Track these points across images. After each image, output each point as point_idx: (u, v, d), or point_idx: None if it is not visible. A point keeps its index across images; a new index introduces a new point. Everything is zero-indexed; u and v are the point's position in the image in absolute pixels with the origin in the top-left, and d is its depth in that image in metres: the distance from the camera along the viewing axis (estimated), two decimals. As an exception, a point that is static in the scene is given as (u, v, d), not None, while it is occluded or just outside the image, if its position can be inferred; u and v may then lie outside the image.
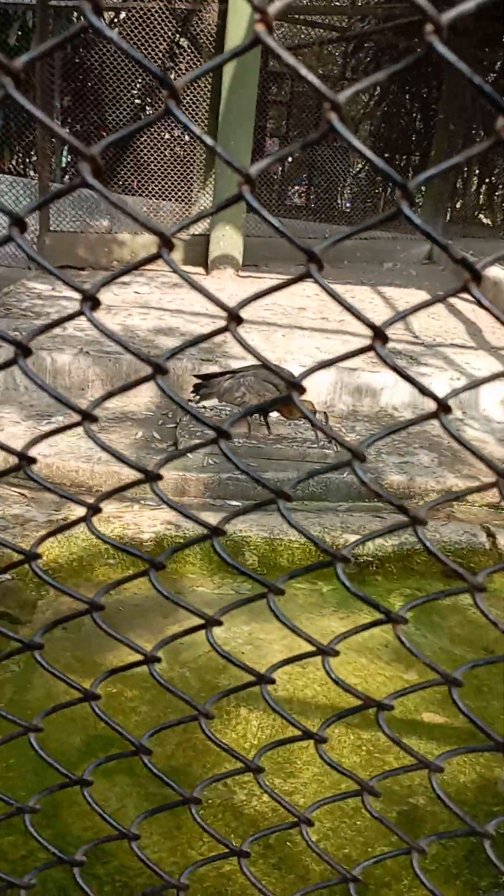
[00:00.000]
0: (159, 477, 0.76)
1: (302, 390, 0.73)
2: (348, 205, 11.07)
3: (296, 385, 0.71)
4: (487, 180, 10.82)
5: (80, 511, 0.81)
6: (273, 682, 0.87)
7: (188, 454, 4.08)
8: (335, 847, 1.98)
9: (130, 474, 3.83)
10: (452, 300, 7.02)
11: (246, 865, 0.93)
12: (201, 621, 0.83)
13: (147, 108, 9.12)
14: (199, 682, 2.58)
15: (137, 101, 9.09)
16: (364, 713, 2.44)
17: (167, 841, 1.95)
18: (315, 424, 0.75)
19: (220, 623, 0.81)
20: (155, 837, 1.97)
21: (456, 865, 1.96)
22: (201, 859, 1.00)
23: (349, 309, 0.61)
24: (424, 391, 0.67)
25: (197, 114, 7.38)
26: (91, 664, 2.63)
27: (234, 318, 0.62)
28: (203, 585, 3.19)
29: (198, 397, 4.10)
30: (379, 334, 0.63)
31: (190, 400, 4.28)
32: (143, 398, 4.72)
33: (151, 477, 0.76)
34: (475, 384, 0.70)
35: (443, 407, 0.66)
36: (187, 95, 7.07)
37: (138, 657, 0.87)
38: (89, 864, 1.91)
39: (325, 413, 4.73)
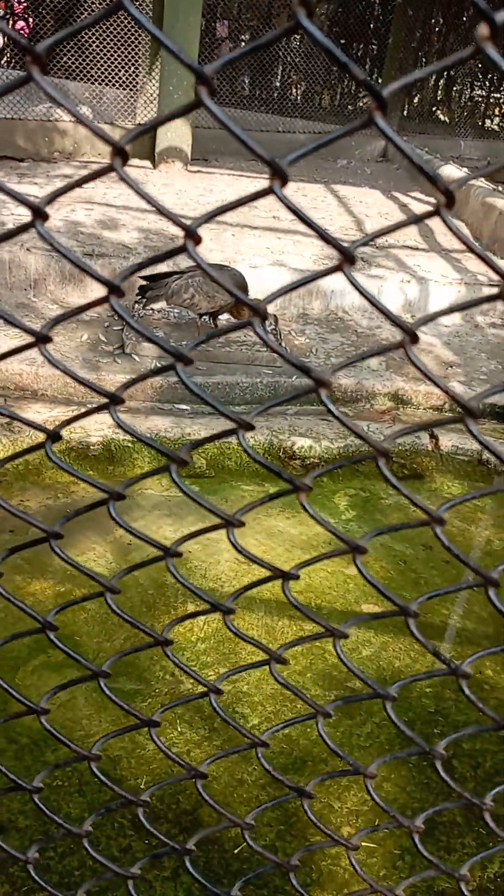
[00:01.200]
0: (121, 400, 0.74)
1: (264, 314, 0.69)
2: (300, 97, 10.57)
3: (257, 310, 0.68)
4: (446, 74, 10.42)
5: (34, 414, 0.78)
6: (233, 611, 0.87)
7: (135, 356, 4.01)
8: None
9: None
10: (406, 200, 6.88)
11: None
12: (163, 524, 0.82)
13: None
14: (148, 580, 2.64)
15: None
16: (306, 606, 2.49)
17: (114, 727, 2.04)
18: (270, 346, 0.71)
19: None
20: (104, 725, 2.06)
21: (388, 742, 2.11)
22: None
23: (315, 228, 0.58)
24: (393, 320, 0.65)
25: (141, -11, 6.84)
26: (39, 565, 2.65)
27: (191, 236, 0.58)
28: (151, 488, 3.21)
29: (144, 300, 4.00)
30: (348, 257, 0.61)
31: (136, 303, 4.17)
32: (75, 298, 4.58)
33: (115, 401, 0.74)
34: (442, 313, 0.68)
35: (411, 337, 0.65)
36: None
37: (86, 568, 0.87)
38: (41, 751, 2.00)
39: (275, 316, 4.68)
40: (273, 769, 0.99)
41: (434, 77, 10.51)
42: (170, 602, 2.54)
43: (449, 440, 3.71)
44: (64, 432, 3.34)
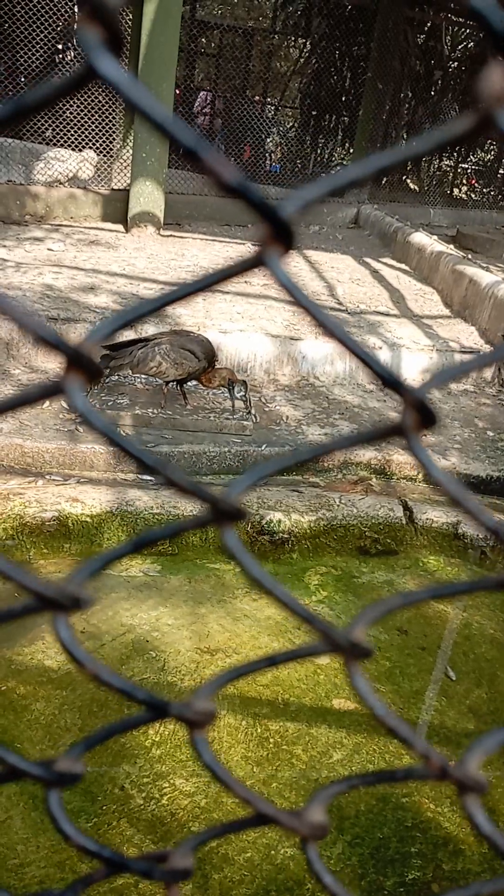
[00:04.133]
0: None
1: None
2: (277, 166, 10.79)
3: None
4: (415, 145, 10.72)
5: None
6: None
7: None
8: (236, 851, 1.89)
9: (34, 447, 3.60)
10: (377, 266, 6.93)
11: None
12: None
13: (65, 50, 8.56)
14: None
15: (54, 43, 8.51)
16: (273, 704, 2.33)
17: (55, 854, 1.82)
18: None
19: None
20: (43, 851, 1.83)
21: (361, 865, 1.90)
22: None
23: (329, 330, 0.46)
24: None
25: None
26: (-17, 657, 2.44)
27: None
28: (110, 568, 3.02)
29: (108, 369, 3.87)
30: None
31: (101, 368, 4.05)
32: (53, 363, 4.45)
33: None
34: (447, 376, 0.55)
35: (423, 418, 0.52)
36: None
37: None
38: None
39: (244, 381, 4.58)
40: None
41: (404, 147, 10.81)
42: (123, 700, 2.33)
43: (423, 513, 3.58)
44: (17, 507, 3.17)
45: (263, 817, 0.38)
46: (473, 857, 1.98)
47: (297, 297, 0.31)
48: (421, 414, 0.33)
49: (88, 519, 3.20)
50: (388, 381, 0.33)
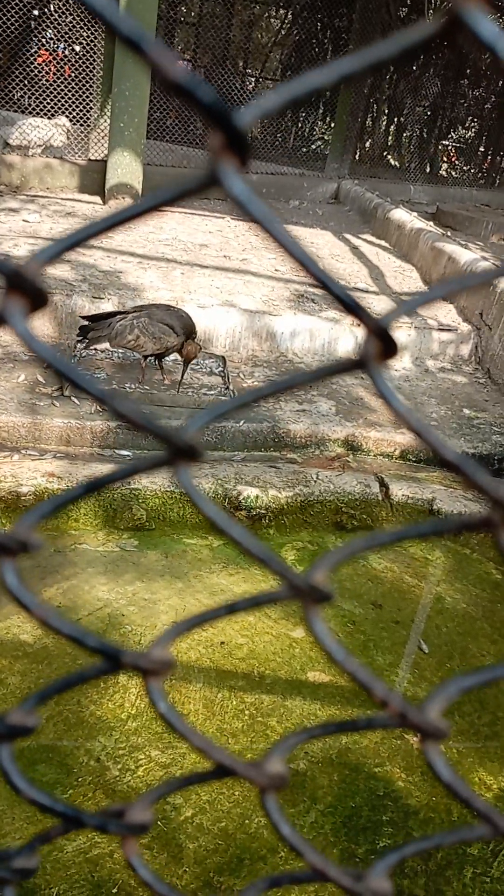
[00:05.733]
0: None
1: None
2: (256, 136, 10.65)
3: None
4: (396, 120, 10.63)
5: None
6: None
7: (74, 399, 3.82)
8: (211, 821, 1.90)
9: (9, 420, 3.55)
10: (357, 242, 6.89)
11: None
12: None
13: (37, 9, 8.34)
14: (78, 648, 2.42)
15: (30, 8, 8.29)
16: (249, 677, 2.34)
17: (31, 826, 1.82)
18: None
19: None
20: (18, 823, 1.83)
21: (334, 833, 1.92)
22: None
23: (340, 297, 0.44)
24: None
25: (89, 32, 6.80)
26: (-44, 631, 2.42)
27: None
28: (86, 542, 3.01)
29: (86, 340, 3.82)
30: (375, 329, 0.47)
31: (77, 342, 4.00)
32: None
33: None
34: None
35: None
36: (77, 10, 6.46)
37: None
38: None
39: (222, 357, 4.55)
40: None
41: (385, 122, 10.73)
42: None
43: (399, 489, 3.59)
44: (-7, 481, 3.13)
45: (223, 768, 0.37)
46: (444, 825, 2.01)
47: (252, 211, 0.30)
48: (383, 342, 0.32)
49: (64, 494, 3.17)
50: (350, 305, 0.32)
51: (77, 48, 7.54)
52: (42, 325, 4.40)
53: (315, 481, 3.52)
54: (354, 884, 0.41)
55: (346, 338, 4.88)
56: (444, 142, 11.04)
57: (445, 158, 11.29)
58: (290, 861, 1.80)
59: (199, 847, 1.82)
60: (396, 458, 4.05)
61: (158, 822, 1.85)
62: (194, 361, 4.11)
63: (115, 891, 1.69)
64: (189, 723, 2.15)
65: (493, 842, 1.96)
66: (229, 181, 0.28)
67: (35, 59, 7.32)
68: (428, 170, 10.58)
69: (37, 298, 0.29)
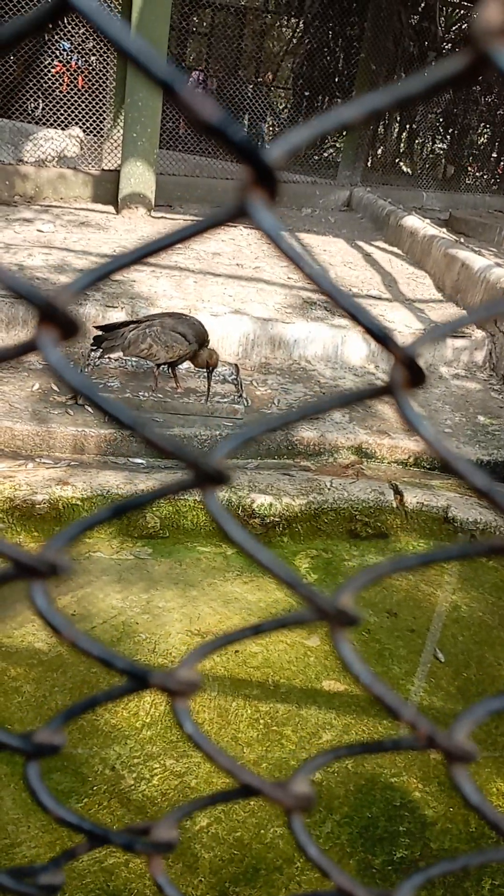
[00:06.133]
0: None
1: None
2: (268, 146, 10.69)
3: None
4: (408, 127, 10.64)
5: None
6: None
7: (88, 408, 3.84)
8: (227, 830, 1.90)
9: (24, 429, 3.58)
10: (369, 249, 6.90)
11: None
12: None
13: (51, 21, 8.42)
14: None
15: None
16: (264, 685, 2.34)
17: (46, 835, 1.82)
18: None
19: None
20: (33, 831, 1.83)
21: (350, 843, 1.91)
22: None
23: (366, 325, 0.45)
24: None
25: (103, 43, 6.85)
26: (-27, 640, 2.43)
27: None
28: (100, 550, 3.02)
29: (100, 350, 3.84)
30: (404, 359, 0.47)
31: (91, 352, 4.02)
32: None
33: None
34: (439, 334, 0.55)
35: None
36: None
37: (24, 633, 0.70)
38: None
39: (235, 365, 4.56)
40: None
41: (397, 130, 10.74)
42: (115, 682, 2.33)
43: (413, 497, 3.58)
44: (7, 490, 3.15)
45: (248, 788, 0.37)
46: (461, 836, 1.99)
47: (282, 248, 0.30)
48: (410, 371, 0.32)
49: (79, 502, 3.18)
50: (378, 336, 0.32)
51: (91, 59, 7.61)
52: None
53: (329, 489, 3.52)
54: (378, 903, 0.40)
55: (359, 345, 4.88)
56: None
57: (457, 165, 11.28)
58: (307, 871, 1.80)
59: (215, 857, 1.81)
60: (410, 466, 4.04)
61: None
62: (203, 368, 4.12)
63: (130, 901, 1.69)
64: (204, 732, 2.15)
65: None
66: (259, 215, 0.29)
67: (49, 71, 7.39)
68: (440, 176, 10.58)
69: (68, 328, 0.30)
